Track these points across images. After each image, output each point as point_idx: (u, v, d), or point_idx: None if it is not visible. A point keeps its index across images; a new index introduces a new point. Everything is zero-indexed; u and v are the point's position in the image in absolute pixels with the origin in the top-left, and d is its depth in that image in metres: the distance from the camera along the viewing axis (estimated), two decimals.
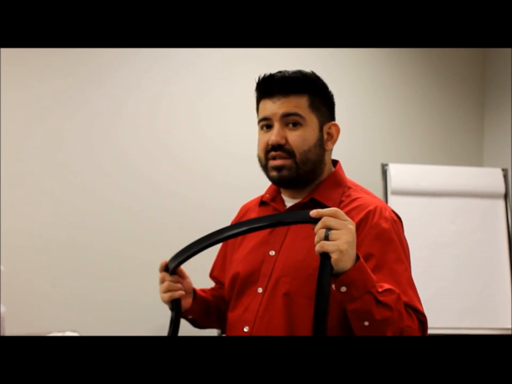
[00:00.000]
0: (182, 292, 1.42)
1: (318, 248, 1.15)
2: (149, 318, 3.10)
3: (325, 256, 1.14)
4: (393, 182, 3.43)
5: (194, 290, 1.51)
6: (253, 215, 1.56)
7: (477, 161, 3.82)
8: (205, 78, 3.35)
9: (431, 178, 3.47)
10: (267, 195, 1.55)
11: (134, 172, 3.23)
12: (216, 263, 1.67)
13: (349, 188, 1.47)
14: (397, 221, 1.40)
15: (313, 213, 1.17)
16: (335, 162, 1.53)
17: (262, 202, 1.56)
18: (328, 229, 1.14)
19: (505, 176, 3.55)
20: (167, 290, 1.41)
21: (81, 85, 3.18)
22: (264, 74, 1.44)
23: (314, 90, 1.43)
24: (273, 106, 1.41)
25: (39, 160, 3.10)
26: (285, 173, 1.41)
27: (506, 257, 3.43)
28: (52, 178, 3.11)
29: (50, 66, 3.13)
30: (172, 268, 1.39)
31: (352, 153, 3.49)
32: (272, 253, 1.43)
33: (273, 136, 1.40)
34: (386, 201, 3.39)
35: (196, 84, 3.33)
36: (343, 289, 1.17)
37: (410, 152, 3.68)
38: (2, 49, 3.01)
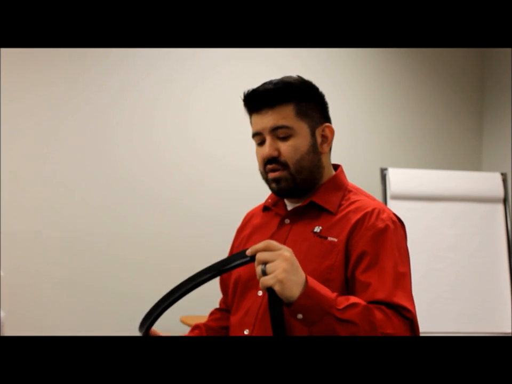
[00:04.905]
0: None
1: (260, 285, 1.16)
2: None
3: (270, 290, 1.15)
4: (392, 187, 3.44)
5: None
6: (256, 220, 1.57)
7: (476, 165, 3.83)
8: (199, 84, 3.35)
9: (430, 182, 3.48)
10: (269, 200, 1.56)
11: (130, 179, 3.24)
12: None
13: (349, 191, 1.47)
14: (396, 221, 1.39)
15: (248, 252, 1.19)
16: (336, 167, 1.53)
17: (265, 208, 1.57)
18: (265, 263, 1.15)
19: (504, 181, 3.56)
20: None
21: (74, 91, 3.18)
22: (248, 90, 1.44)
23: (299, 97, 1.42)
24: (262, 121, 1.41)
25: (39, 166, 3.11)
26: (283, 184, 1.42)
27: (506, 261, 3.44)
28: (51, 184, 3.12)
29: (44, 73, 3.13)
30: (144, 333, 1.38)
31: (351, 158, 3.50)
32: None
33: (265, 149, 1.41)
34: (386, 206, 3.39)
35: (189, 90, 3.34)
36: (300, 316, 1.17)
37: (410, 157, 3.69)
38: None
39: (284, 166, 1.40)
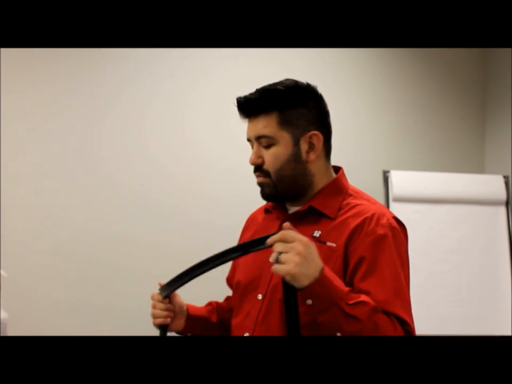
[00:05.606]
0: (161, 320, 1.48)
1: (273, 270, 1.20)
2: (149, 323, 3.11)
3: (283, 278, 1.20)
4: (394, 189, 3.44)
5: (187, 311, 1.54)
6: (259, 222, 1.59)
7: (478, 168, 3.82)
8: (196, 85, 3.33)
9: (432, 185, 3.48)
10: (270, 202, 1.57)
11: (130, 183, 3.24)
12: (231, 266, 1.69)
13: (350, 195, 1.46)
14: (396, 227, 1.39)
15: (268, 241, 1.22)
16: (337, 169, 1.53)
17: (266, 210, 1.58)
18: (280, 252, 1.18)
19: (506, 183, 3.55)
20: (154, 317, 1.49)
21: (64, 93, 3.16)
22: (239, 97, 1.46)
23: (284, 105, 1.41)
24: (250, 128, 1.46)
25: (39, 166, 3.11)
26: (266, 190, 1.46)
27: (508, 264, 3.43)
28: (53, 185, 3.12)
29: (38, 72, 3.12)
30: (164, 296, 1.48)
31: (353, 160, 3.50)
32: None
33: (251, 157, 1.45)
34: (388, 208, 3.39)
35: (185, 92, 3.31)
36: (309, 302, 1.19)
37: (412, 159, 3.69)
38: None
39: (266, 174, 1.44)
